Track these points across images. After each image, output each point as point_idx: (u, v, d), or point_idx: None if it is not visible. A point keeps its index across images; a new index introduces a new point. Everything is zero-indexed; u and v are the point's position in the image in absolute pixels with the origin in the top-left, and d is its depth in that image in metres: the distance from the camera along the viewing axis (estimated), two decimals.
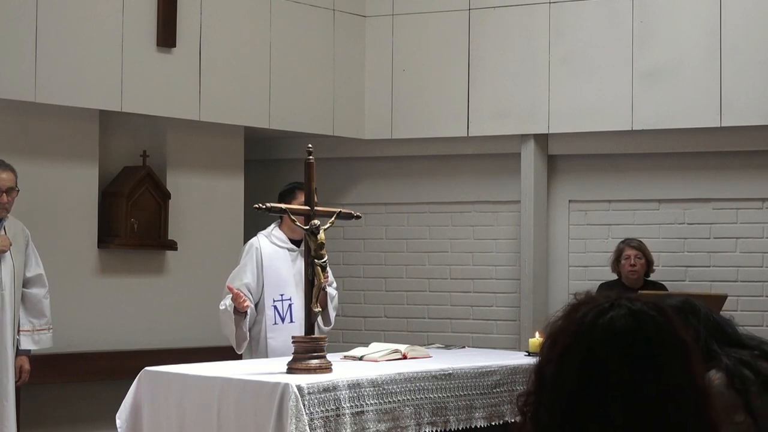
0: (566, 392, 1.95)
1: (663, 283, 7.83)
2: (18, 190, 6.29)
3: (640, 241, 7.84)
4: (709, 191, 8.24)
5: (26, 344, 6.40)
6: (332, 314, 6.49)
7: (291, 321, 6.33)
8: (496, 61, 8.53)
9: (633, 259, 7.71)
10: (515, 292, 8.61)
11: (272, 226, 6.63)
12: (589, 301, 2.03)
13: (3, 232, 6.27)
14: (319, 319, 6.06)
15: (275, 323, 6.36)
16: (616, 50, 8.15)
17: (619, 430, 1.91)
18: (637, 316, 1.97)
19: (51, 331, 6.51)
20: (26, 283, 6.43)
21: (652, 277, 7.85)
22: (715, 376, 3.05)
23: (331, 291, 6.51)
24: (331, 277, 6.40)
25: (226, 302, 6.19)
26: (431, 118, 8.70)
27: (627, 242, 7.83)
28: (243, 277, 6.34)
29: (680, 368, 1.96)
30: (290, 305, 6.36)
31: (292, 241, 6.52)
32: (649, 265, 7.77)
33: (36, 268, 6.45)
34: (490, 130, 8.56)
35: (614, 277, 7.87)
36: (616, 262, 7.81)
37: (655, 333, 1.96)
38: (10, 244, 6.26)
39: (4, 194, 6.21)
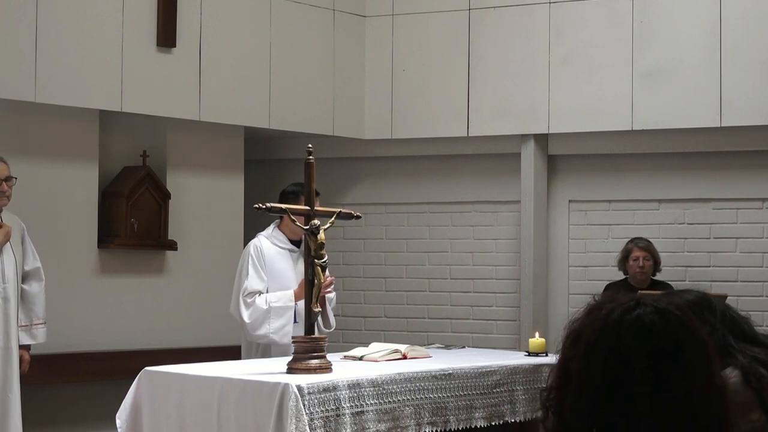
0: (592, 387, 1.98)
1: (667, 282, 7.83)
2: (15, 178, 6.27)
3: (649, 241, 7.84)
4: (709, 191, 8.24)
5: (24, 339, 6.40)
6: (332, 317, 6.50)
7: (295, 321, 6.35)
8: (496, 61, 8.53)
9: (642, 261, 7.71)
10: (515, 292, 8.61)
11: (272, 227, 6.64)
12: (611, 301, 2.07)
13: None
14: (320, 321, 6.07)
15: None
16: (616, 50, 8.15)
17: (648, 426, 1.94)
18: (663, 314, 2.02)
19: (45, 326, 6.50)
20: (24, 277, 6.43)
21: (658, 276, 7.86)
22: (732, 374, 3.03)
23: (329, 294, 6.51)
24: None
25: (267, 298, 6.29)
26: (431, 118, 8.70)
27: (635, 243, 7.81)
28: (256, 285, 6.38)
29: (704, 367, 2.00)
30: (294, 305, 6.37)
31: (293, 242, 6.54)
32: (656, 264, 7.79)
33: (34, 262, 6.44)
34: (490, 130, 8.56)
35: (620, 275, 7.88)
36: (624, 261, 7.81)
37: (681, 331, 2.01)
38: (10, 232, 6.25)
39: (3, 182, 6.20)
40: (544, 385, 2.08)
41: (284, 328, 6.31)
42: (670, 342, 1.99)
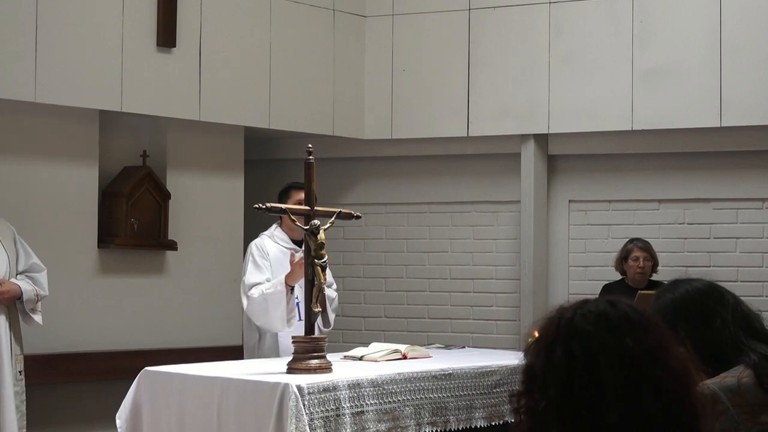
0: (556, 379, 2.06)
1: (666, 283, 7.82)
2: None
3: (647, 242, 7.84)
4: (709, 191, 8.24)
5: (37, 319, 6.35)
6: (332, 316, 6.49)
7: (299, 319, 6.34)
8: (496, 61, 8.53)
9: (642, 261, 7.71)
10: (515, 292, 8.61)
11: (274, 226, 6.68)
12: (565, 306, 2.17)
13: None
14: (319, 320, 6.07)
15: None
16: (616, 50, 8.15)
17: (614, 412, 1.99)
18: (613, 304, 2.11)
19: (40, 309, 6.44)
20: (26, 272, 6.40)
21: (655, 277, 7.86)
22: (743, 373, 2.94)
23: (331, 293, 6.51)
24: (330, 279, 6.41)
25: (263, 288, 6.32)
26: (431, 118, 8.70)
27: (635, 243, 7.80)
28: (255, 278, 6.40)
29: (662, 346, 2.07)
30: (297, 303, 6.34)
31: (294, 241, 6.56)
32: (654, 265, 7.79)
33: (28, 259, 6.39)
34: (490, 130, 8.56)
35: (617, 276, 7.88)
36: (622, 261, 7.81)
37: (634, 314, 2.08)
38: None
39: None
40: (513, 389, 2.16)
41: (282, 316, 6.27)
42: (624, 324, 2.06)
